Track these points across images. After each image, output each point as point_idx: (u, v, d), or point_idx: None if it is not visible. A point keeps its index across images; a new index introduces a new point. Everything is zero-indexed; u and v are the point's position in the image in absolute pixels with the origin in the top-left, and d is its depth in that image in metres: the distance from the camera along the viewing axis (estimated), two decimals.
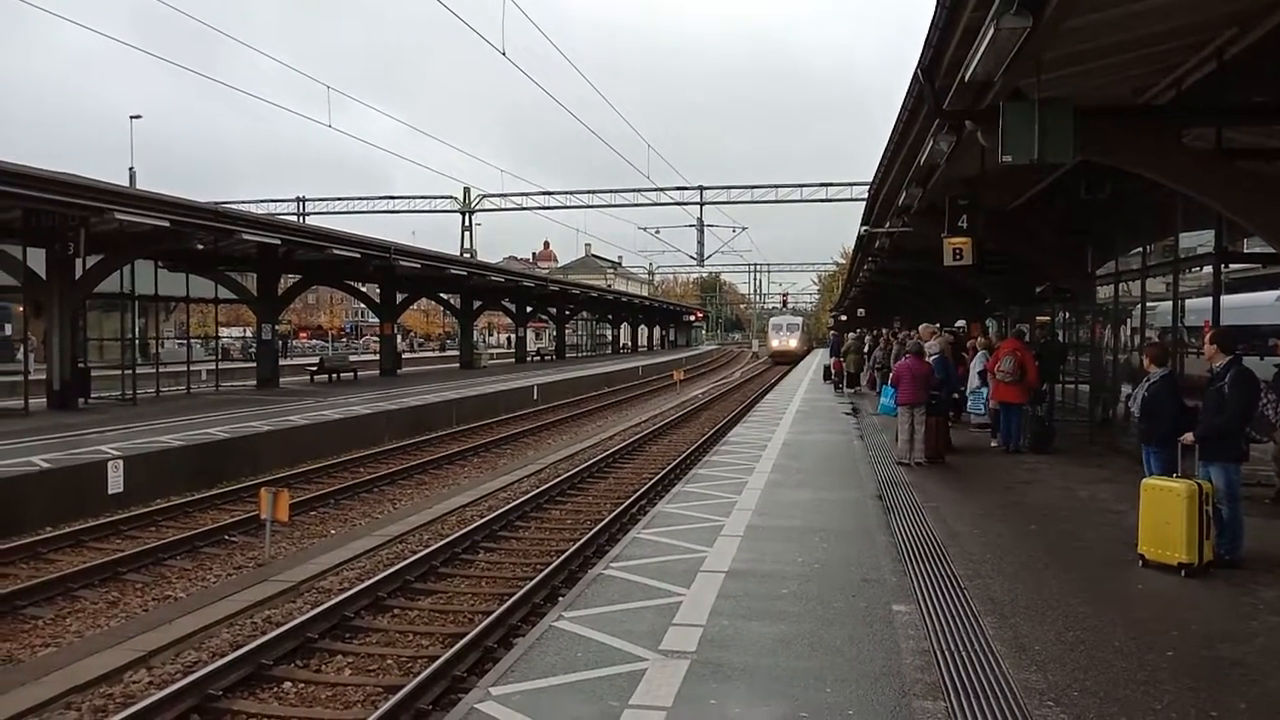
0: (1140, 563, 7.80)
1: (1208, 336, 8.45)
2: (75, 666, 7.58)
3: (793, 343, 68.39)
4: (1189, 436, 7.97)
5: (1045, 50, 7.22)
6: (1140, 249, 14.58)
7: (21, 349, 27.48)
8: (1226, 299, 11.78)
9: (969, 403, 16.24)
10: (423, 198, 60.16)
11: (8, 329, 38.41)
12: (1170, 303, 13.25)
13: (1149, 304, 14.56)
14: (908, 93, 9.99)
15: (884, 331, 31.61)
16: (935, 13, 7.53)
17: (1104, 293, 16.35)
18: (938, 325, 20.95)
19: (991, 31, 6.46)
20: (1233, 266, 12.56)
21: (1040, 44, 6.80)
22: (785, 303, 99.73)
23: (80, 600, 9.80)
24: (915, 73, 8.89)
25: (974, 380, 16.00)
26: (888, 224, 17.89)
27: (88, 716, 6.79)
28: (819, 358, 50.83)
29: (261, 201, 58.37)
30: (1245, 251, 12.59)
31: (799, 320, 75.34)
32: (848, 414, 21.65)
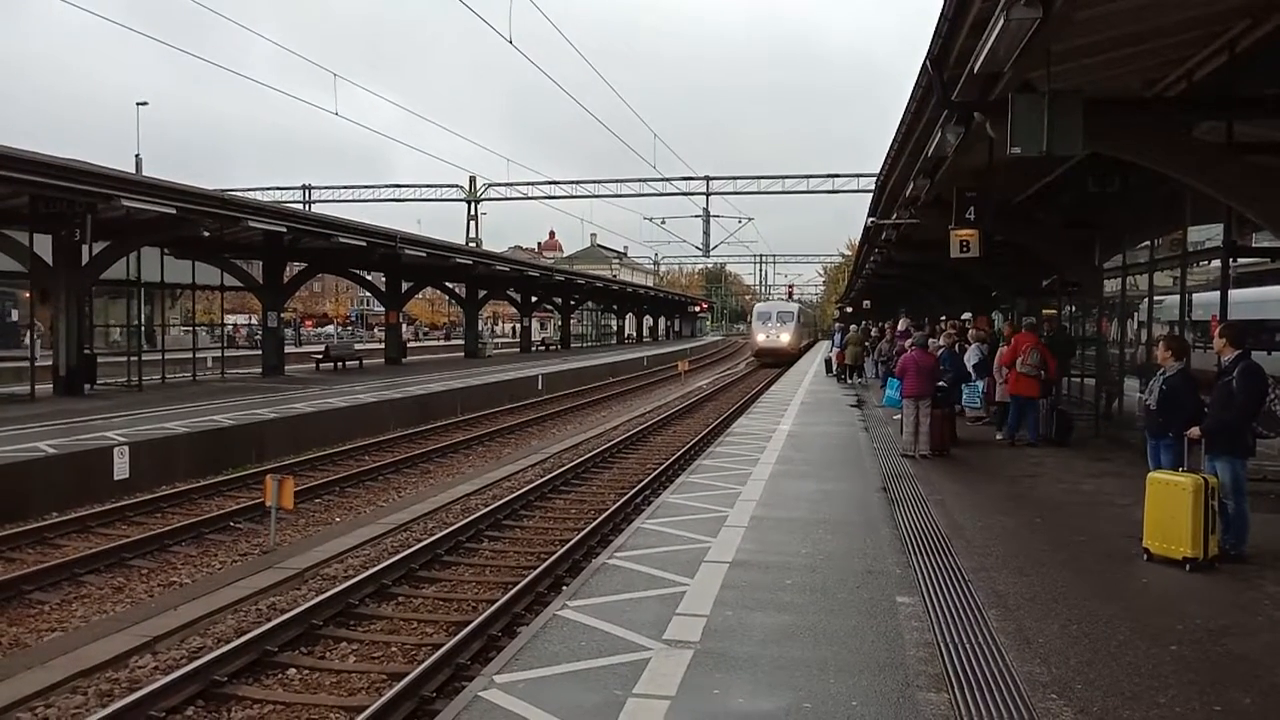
0: (1145, 557, 7.78)
1: (1217, 330, 8.41)
2: (81, 651, 7.61)
3: (785, 337, 51.22)
4: (1195, 431, 7.95)
5: (1055, 41, 7.18)
6: (1148, 242, 14.53)
7: (28, 335, 27.53)
8: (1235, 293, 11.72)
9: (964, 395, 16.20)
10: (429, 186, 60.30)
11: (14, 315, 38.49)
12: (1178, 297, 13.20)
13: (1156, 298, 14.50)
14: (916, 83, 9.95)
15: (883, 325, 31.66)
16: (945, 3, 7.49)
17: (1111, 286, 16.29)
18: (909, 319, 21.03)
19: (1001, 22, 6.43)
20: (1241, 260, 12.47)
21: (1050, 35, 6.76)
22: (791, 294, 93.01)
23: (86, 586, 9.84)
24: (924, 63, 8.85)
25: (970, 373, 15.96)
26: (895, 215, 17.83)
27: (94, 701, 6.81)
28: (824, 352, 44.57)
29: (267, 189, 58.51)
30: (1254, 246, 12.53)
31: (793, 308, 56.73)
32: (852, 406, 21.63)
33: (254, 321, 56.61)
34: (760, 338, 52.50)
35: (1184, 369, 8.52)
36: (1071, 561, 7.90)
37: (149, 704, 6.45)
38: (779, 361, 47.32)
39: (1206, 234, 12.49)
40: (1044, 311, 21.11)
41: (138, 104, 51.77)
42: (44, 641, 8.20)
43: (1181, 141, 9.20)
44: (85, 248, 20.38)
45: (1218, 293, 11.72)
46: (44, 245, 20.58)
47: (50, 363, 21.83)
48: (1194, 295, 13.01)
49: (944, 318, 26.10)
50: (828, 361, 33.45)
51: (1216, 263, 12.04)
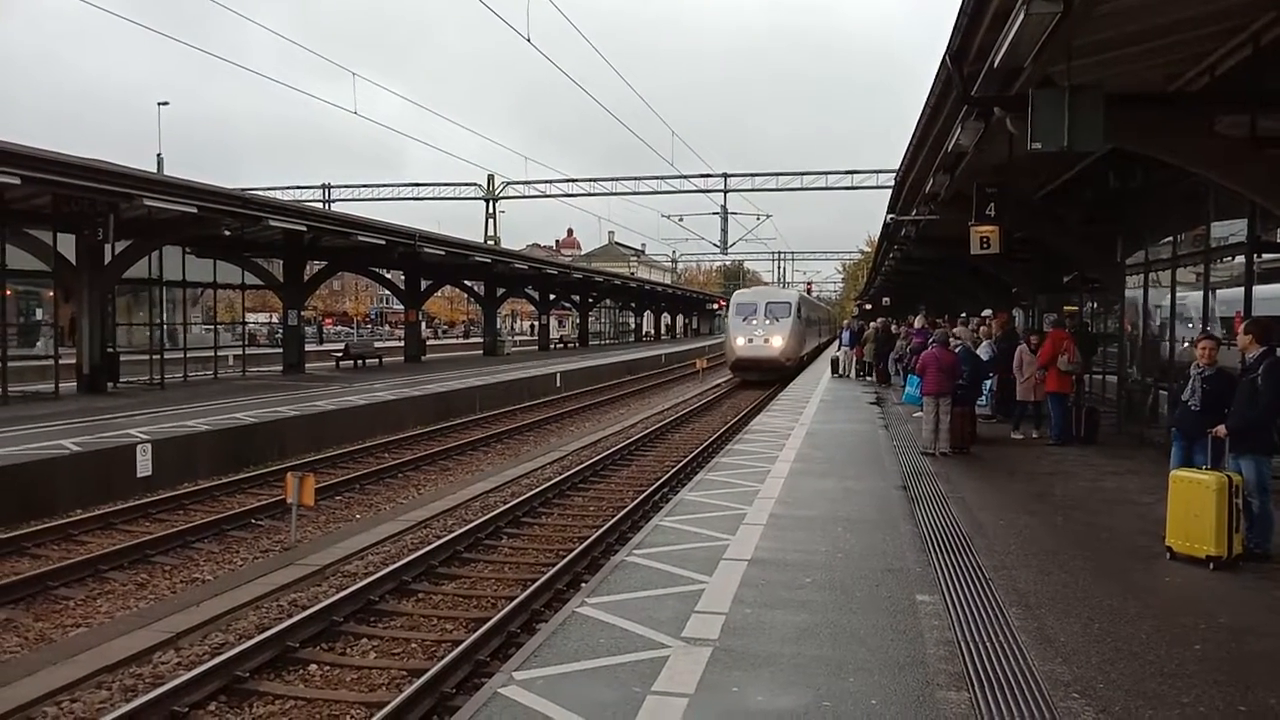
0: (1168, 555, 7.73)
1: (1242, 326, 8.32)
2: (105, 647, 7.70)
3: (776, 341, 33.89)
4: (1221, 429, 7.88)
5: (1076, 36, 7.12)
6: (1171, 238, 14.40)
7: (52, 333, 27.78)
8: (1259, 289, 11.60)
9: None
10: (447, 184, 60.48)
11: (39, 314, 38.85)
12: (1201, 293, 13.06)
13: (1179, 294, 14.35)
14: (935, 78, 9.89)
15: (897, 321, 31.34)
16: None
17: (1133, 282, 16.15)
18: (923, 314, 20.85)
19: (1021, 17, 6.38)
20: (1266, 256, 12.34)
21: (1071, 29, 6.70)
22: (810, 290, 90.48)
23: (110, 582, 9.93)
24: (943, 58, 8.80)
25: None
26: (914, 212, 17.76)
27: (118, 696, 6.89)
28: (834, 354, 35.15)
29: (287, 188, 58.85)
30: (1279, 241, 12.40)
31: (790, 297, 38.72)
32: (872, 403, 21.55)
33: (274, 320, 56.99)
34: (739, 341, 34.64)
35: (1222, 368, 8.39)
36: (1093, 560, 7.85)
37: (172, 699, 6.51)
38: (770, 377, 32.64)
39: (1230, 229, 12.36)
40: (1065, 308, 20.97)
41: (159, 104, 51.99)
42: (69, 637, 8.29)
43: (1204, 136, 9.10)
44: (108, 247, 20.56)
45: (1242, 289, 11.60)
46: (67, 245, 20.78)
47: (74, 361, 22.05)
48: (1218, 291, 12.87)
49: (964, 314, 25.93)
50: (834, 360, 31.80)
51: (1240, 258, 11.91)
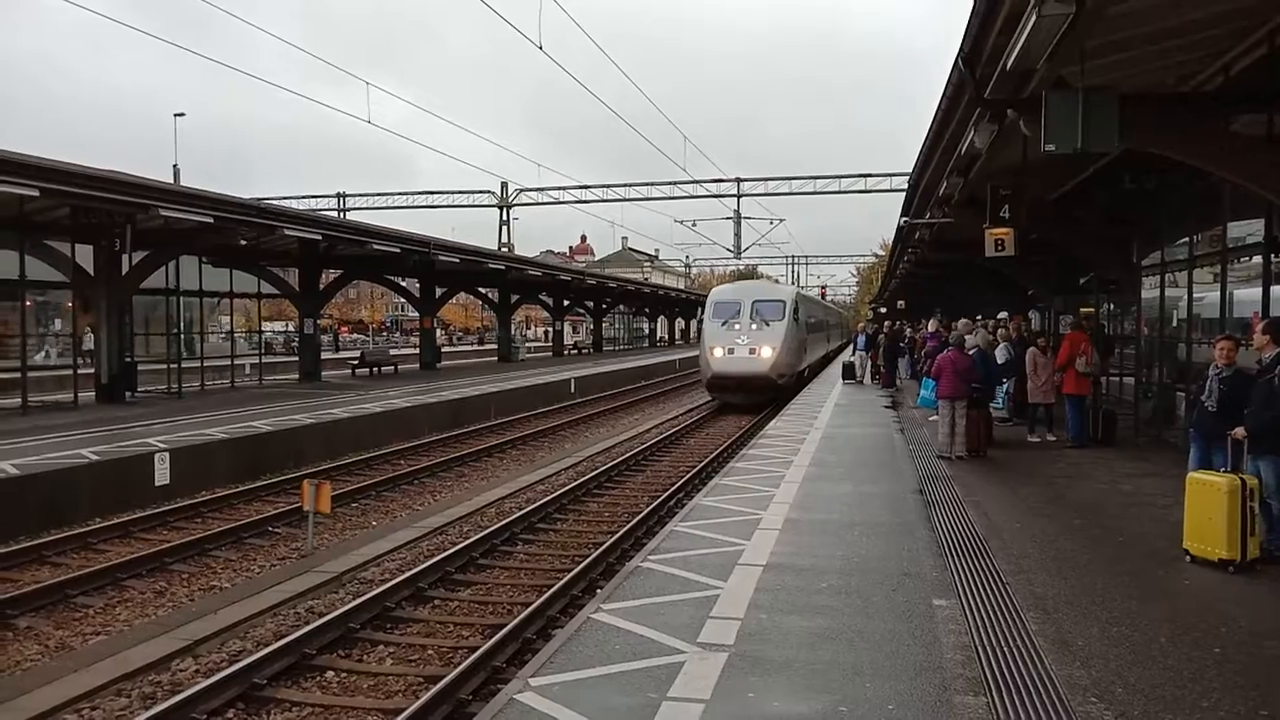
0: (1187, 558, 7.66)
1: (1259, 327, 8.25)
2: (125, 654, 7.76)
3: (765, 352, 26.46)
4: (1240, 431, 7.81)
5: (1089, 37, 7.10)
6: (1187, 239, 14.31)
7: (70, 344, 28.00)
8: (1277, 289, 11.51)
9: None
10: (461, 192, 60.65)
11: (57, 324, 39.15)
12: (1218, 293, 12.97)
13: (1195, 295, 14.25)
14: (948, 81, 9.88)
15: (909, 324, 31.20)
16: (975, 0, 7.43)
17: (1149, 283, 16.06)
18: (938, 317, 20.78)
19: (1034, 19, 6.37)
20: None
21: (1083, 31, 6.69)
22: (824, 295, 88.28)
23: (129, 590, 10.00)
24: (955, 61, 8.79)
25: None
26: (928, 215, 17.71)
27: (137, 703, 6.93)
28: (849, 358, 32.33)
29: (302, 198, 59.10)
30: None
31: (781, 298, 28.73)
32: (887, 407, 21.48)
33: (290, 329, 57.25)
34: (716, 352, 26.96)
35: (1239, 369, 8.32)
36: (1111, 563, 7.80)
37: (190, 706, 6.56)
38: (758, 399, 26.38)
39: (1247, 229, 12.28)
40: (1080, 309, 20.86)
41: (175, 115, 52.28)
42: (89, 645, 8.35)
43: (1219, 136, 9.05)
44: (125, 257, 20.73)
45: (1259, 289, 11.52)
46: (85, 255, 20.96)
47: (92, 370, 22.23)
48: (1234, 292, 12.78)
49: (979, 317, 25.84)
50: (848, 365, 30.00)
51: (1258, 258, 11.83)
